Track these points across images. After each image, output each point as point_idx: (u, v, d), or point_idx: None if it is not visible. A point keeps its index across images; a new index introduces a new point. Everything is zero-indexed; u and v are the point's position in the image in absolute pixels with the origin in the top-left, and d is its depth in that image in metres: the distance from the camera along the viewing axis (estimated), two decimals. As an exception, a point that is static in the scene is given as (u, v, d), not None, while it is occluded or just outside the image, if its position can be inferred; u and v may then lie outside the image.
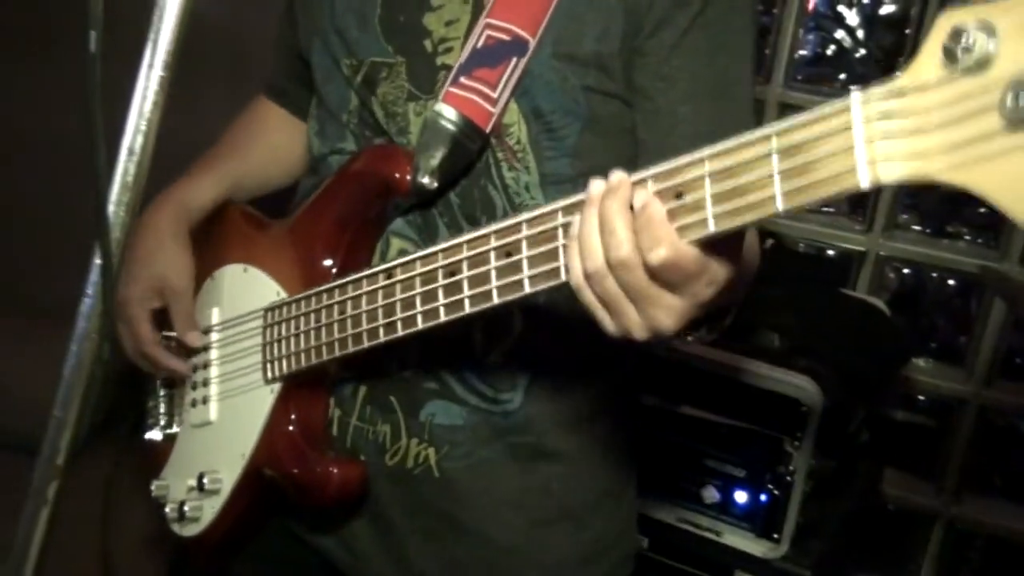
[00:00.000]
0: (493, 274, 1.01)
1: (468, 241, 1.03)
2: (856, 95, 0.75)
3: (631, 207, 0.88)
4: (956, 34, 0.71)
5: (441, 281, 1.07)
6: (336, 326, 1.21)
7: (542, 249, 0.96)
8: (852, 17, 2.57)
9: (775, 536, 1.96)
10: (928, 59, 0.73)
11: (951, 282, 2.61)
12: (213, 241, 1.46)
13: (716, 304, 0.92)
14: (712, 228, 0.84)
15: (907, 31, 2.52)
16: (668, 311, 0.89)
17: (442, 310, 1.07)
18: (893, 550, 2.69)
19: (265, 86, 1.61)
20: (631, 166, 1.19)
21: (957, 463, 2.62)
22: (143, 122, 1.01)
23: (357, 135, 1.33)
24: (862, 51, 2.59)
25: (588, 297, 0.92)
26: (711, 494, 2.01)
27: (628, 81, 1.22)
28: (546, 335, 1.27)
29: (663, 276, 0.87)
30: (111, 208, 1.01)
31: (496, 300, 1.01)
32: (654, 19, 1.18)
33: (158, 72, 1.00)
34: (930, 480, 2.66)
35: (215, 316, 1.44)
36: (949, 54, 0.71)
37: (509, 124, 1.22)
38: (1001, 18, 0.69)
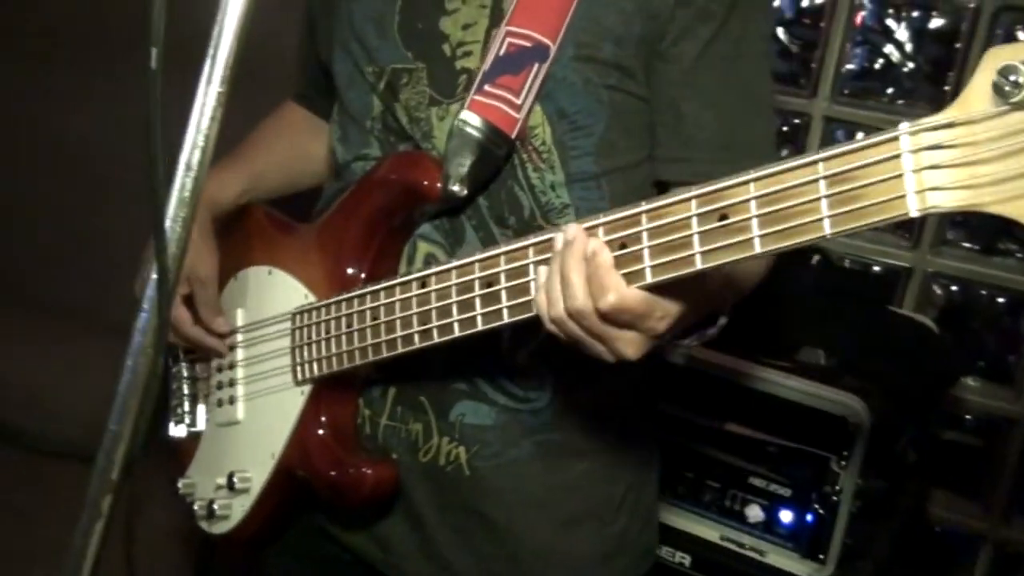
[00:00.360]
0: (532, 287, 1.04)
1: (506, 253, 1.07)
2: (905, 125, 0.79)
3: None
4: (1006, 70, 0.73)
5: (478, 291, 1.10)
6: (369, 331, 1.25)
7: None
8: (901, 31, 2.54)
9: (820, 557, 1.93)
10: (978, 93, 0.76)
11: (1000, 300, 2.57)
12: (236, 242, 1.49)
13: (682, 327, 1.06)
14: (758, 248, 0.88)
15: (957, 45, 2.49)
16: (628, 344, 1.01)
17: (480, 319, 1.11)
18: (939, 572, 2.65)
19: (293, 93, 1.65)
20: (651, 162, 1.29)
21: (1006, 484, 2.57)
22: (201, 137, 1.01)
23: (382, 141, 1.35)
24: (910, 65, 2.56)
25: (559, 335, 1.03)
26: (756, 513, 1.99)
27: (648, 83, 1.25)
28: None
29: (614, 318, 0.98)
30: (167, 223, 1.01)
31: (535, 311, 1.04)
32: (677, 29, 1.21)
33: (216, 87, 1.00)
34: (977, 501, 2.62)
35: (240, 317, 1.47)
36: (999, 89, 0.75)
37: (534, 126, 1.25)
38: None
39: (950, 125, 0.77)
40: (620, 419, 1.41)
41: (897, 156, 0.79)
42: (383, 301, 1.22)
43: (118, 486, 1.02)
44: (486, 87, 1.23)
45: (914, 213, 0.79)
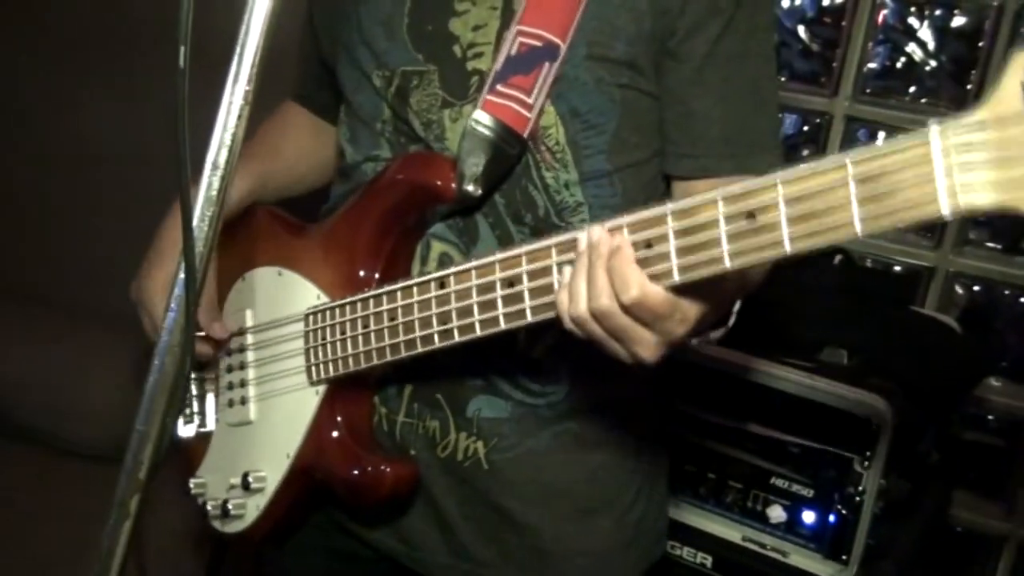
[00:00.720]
0: (556, 286, 1.05)
1: (527, 253, 1.07)
2: (935, 127, 0.78)
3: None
4: (1035, 70, 0.73)
5: (500, 291, 1.10)
6: (387, 331, 1.24)
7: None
8: (923, 30, 2.52)
9: (843, 557, 1.92)
10: (1008, 93, 0.76)
11: (1023, 300, 2.56)
12: (242, 242, 1.48)
13: (696, 331, 1.05)
14: (788, 248, 0.88)
15: (980, 44, 2.47)
16: (645, 346, 1.02)
17: (502, 319, 1.11)
18: (961, 573, 2.64)
19: (292, 93, 1.65)
20: (663, 158, 1.29)
21: (1029, 485, 2.56)
22: (228, 136, 1.01)
23: (392, 142, 1.35)
24: (932, 64, 2.54)
25: (579, 335, 1.03)
26: (778, 513, 1.98)
27: (658, 80, 1.26)
28: None
29: (635, 314, 0.98)
30: (194, 223, 1.02)
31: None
32: (687, 24, 1.21)
33: (243, 86, 1.01)
34: (1000, 502, 2.61)
35: (249, 317, 1.46)
36: (1029, 89, 0.73)
37: (547, 126, 1.25)
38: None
39: (982, 126, 0.77)
40: (636, 411, 1.42)
41: (928, 157, 0.79)
42: (401, 302, 1.22)
43: (146, 486, 1.02)
44: (498, 87, 1.23)
45: (946, 213, 0.79)
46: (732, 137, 1.26)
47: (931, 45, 2.53)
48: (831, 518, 1.93)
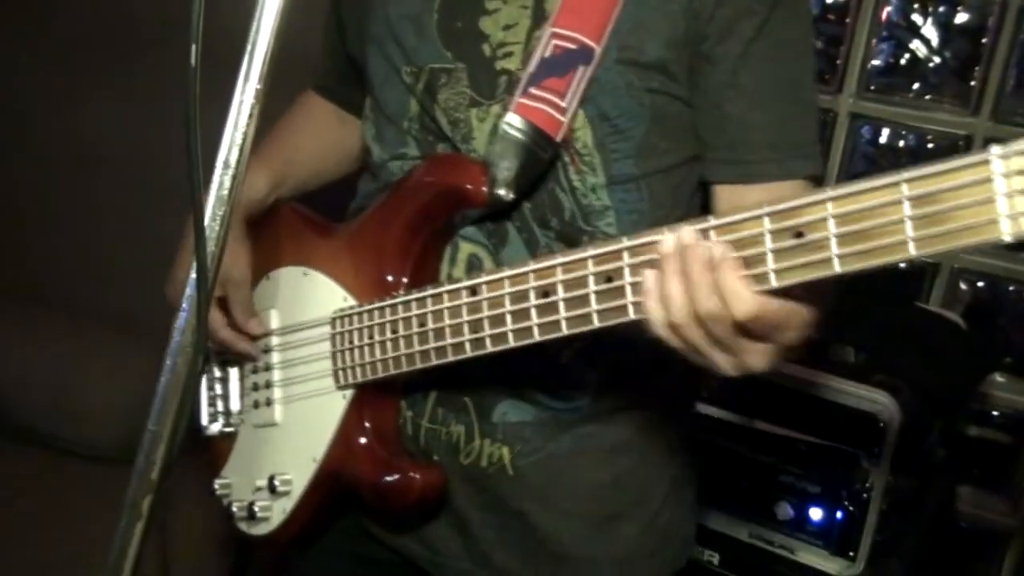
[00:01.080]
0: (593, 298, 1.02)
1: (563, 264, 1.04)
2: (995, 149, 0.78)
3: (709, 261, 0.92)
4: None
5: (533, 301, 1.07)
6: (416, 338, 1.22)
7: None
8: (927, 27, 2.52)
9: (851, 554, 1.92)
10: None
11: (1027, 296, 2.56)
12: (268, 241, 1.47)
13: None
14: (838, 268, 0.86)
15: (984, 40, 2.47)
16: (757, 355, 0.95)
17: (536, 330, 1.08)
18: (967, 569, 2.64)
19: (313, 83, 1.63)
20: (692, 164, 1.28)
21: (1034, 481, 2.56)
22: (239, 134, 1.00)
23: (419, 140, 1.33)
24: (936, 60, 2.54)
25: (675, 343, 0.97)
26: (785, 511, 1.98)
27: (692, 85, 1.23)
28: (615, 335, 1.28)
29: (750, 329, 0.92)
30: (206, 222, 1.01)
31: (597, 324, 1.02)
32: (719, 27, 1.19)
33: (254, 84, 1.00)
34: (1005, 497, 2.60)
35: (274, 318, 1.44)
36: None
37: (576, 129, 1.23)
38: None
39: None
40: (663, 415, 1.39)
41: (989, 179, 0.78)
42: (431, 308, 1.20)
43: (158, 487, 1.01)
44: (531, 89, 1.21)
45: (1007, 237, 0.78)
46: (771, 141, 1.23)
47: (935, 42, 2.53)
48: (838, 515, 1.93)
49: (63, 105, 2.69)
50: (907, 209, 0.82)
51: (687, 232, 0.94)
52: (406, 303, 1.23)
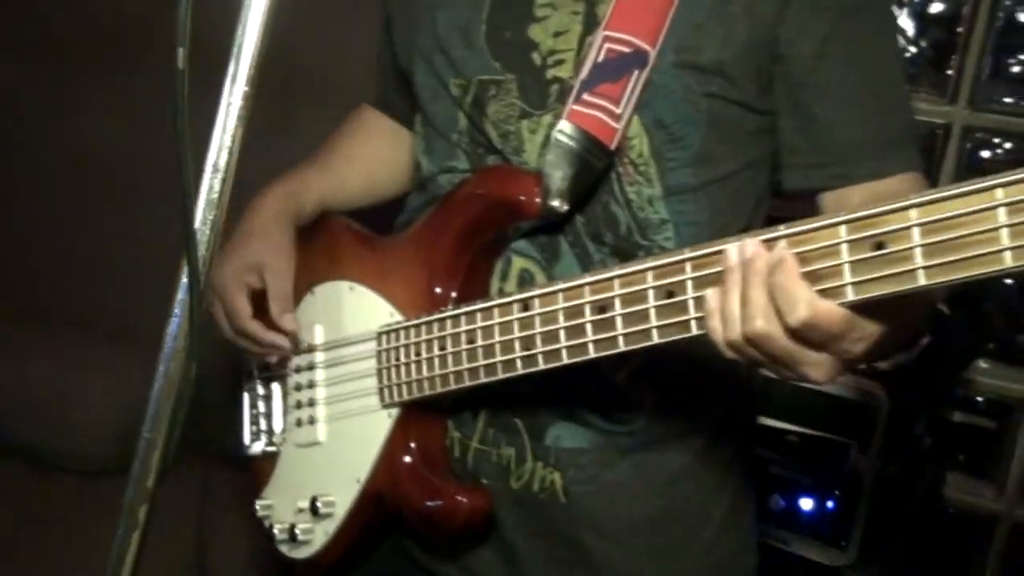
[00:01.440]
0: (653, 313, 0.98)
1: (620, 276, 1.00)
2: None
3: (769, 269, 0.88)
4: None
5: (589, 316, 1.03)
6: (465, 355, 1.18)
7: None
8: (902, 17, 2.53)
9: (843, 543, 1.93)
10: None
11: (1009, 282, 2.57)
12: (314, 254, 1.43)
13: (880, 351, 0.93)
14: (923, 281, 0.80)
15: (959, 29, 2.48)
16: (817, 368, 0.91)
17: (591, 346, 1.04)
18: (956, 553, 2.65)
19: (372, 97, 1.59)
20: (752, 170, 1.22)
21: (1019, 465, 2.57)
22: (227, 138, 1.00)
23: (469, 153, 1.29)
24: (912, 50, 2.55)
25: (737, 357, 0.93)
26: (776, 502, 1.98)
27: (763, 89, 1.19)
28: (673, 353, 1.23)
29: (804, 335, 0.87)
30: (196, 226, 1.00)
31: (656, 340, 0.98)
32: (789, 29, 1.15)
33: (241, 87, 1.00)
34: (991, 482, 2.62)
35: (318, 333, 1.40)
36: None
37: (631, 137, 1.19)
38: None
39: None
40: (722, 437, 1.34)
41: None
42: (480, 323, 1.16)
43: (153, 494, 1.00)
44: (584, 96, 1.17)
45: None
46: (861, 139, 1.19)
47: (910, 32, 2.54)
48: (829, 505, 1.94)
49: (63, 105, 2.68)
50: (1003, 216, 0.75)
51: (751, 243, 0.89)
52: (455, 318, 1.19)
